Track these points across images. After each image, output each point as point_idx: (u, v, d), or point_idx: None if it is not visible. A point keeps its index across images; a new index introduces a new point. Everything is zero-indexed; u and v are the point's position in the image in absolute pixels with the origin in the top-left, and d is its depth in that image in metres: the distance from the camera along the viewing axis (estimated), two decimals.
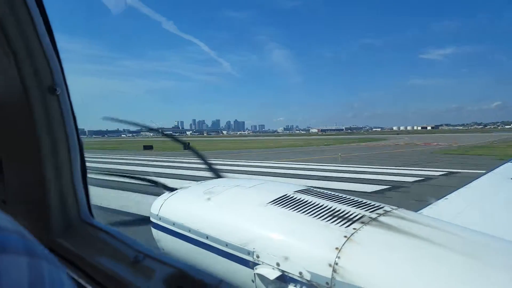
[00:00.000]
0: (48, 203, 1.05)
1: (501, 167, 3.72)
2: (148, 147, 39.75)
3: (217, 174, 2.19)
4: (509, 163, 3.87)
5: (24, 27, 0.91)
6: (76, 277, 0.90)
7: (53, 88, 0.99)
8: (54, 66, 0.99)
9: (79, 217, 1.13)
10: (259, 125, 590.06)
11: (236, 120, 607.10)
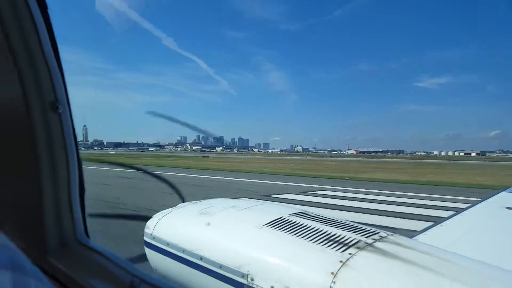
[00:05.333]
0: (43, 221, 1.01)
1: (496, 196, 3.70)
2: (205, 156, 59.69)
3: (182, 197, 2.22)
4: (503, 193, 3.85)
5: (29, 40, 0.88)
6: None
7: (55, 105, 0.97)
8: (57, 83, 0.97)
9: (75, 238, 1.09)
10: (263, 144, 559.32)
11: (240, 137, 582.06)
